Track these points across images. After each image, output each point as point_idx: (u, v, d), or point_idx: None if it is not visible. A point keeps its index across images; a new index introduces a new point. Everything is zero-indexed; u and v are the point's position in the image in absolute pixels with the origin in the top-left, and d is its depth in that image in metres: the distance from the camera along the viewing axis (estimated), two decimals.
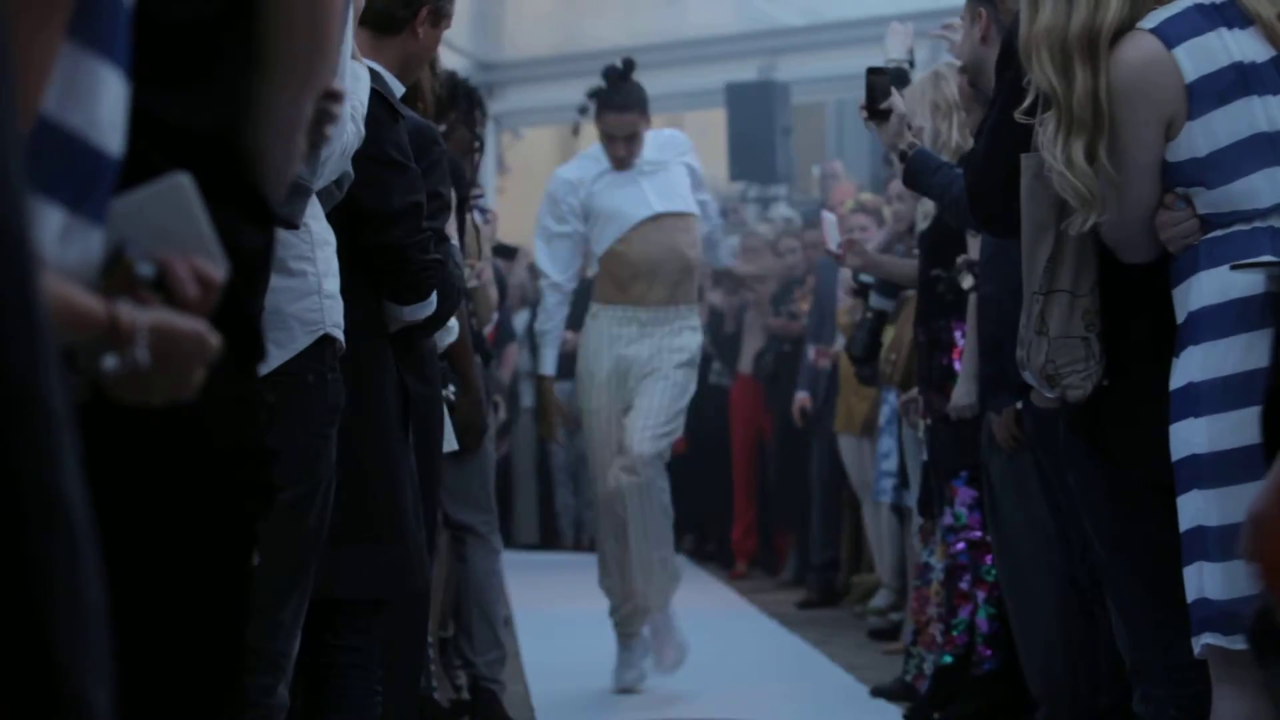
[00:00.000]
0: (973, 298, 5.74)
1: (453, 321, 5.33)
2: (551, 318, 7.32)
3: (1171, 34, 3.36)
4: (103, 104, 1.61)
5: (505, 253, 9.87)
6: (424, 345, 4.61)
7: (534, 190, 7.88)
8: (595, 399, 7.08)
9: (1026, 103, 3.45)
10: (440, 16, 4.48)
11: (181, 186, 1.72)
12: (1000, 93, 3.77)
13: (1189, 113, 3.35)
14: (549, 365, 7.39)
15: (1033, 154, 3.54)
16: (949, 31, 6.04)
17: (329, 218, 3.63)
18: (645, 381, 6.99)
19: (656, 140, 7.18)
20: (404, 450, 4.13)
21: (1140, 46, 3.36)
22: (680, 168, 7.12)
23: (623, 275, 7.02)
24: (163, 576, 1.94)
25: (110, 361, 1.60)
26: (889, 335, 6.96)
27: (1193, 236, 3.39)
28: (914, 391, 6.42)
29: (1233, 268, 3.31)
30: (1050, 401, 4.56)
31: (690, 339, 7.10)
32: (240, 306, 1.94)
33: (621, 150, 7.00)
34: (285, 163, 2.02)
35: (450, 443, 5.16)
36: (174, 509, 1.95)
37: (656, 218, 6.99)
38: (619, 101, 6.98)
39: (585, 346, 7.17)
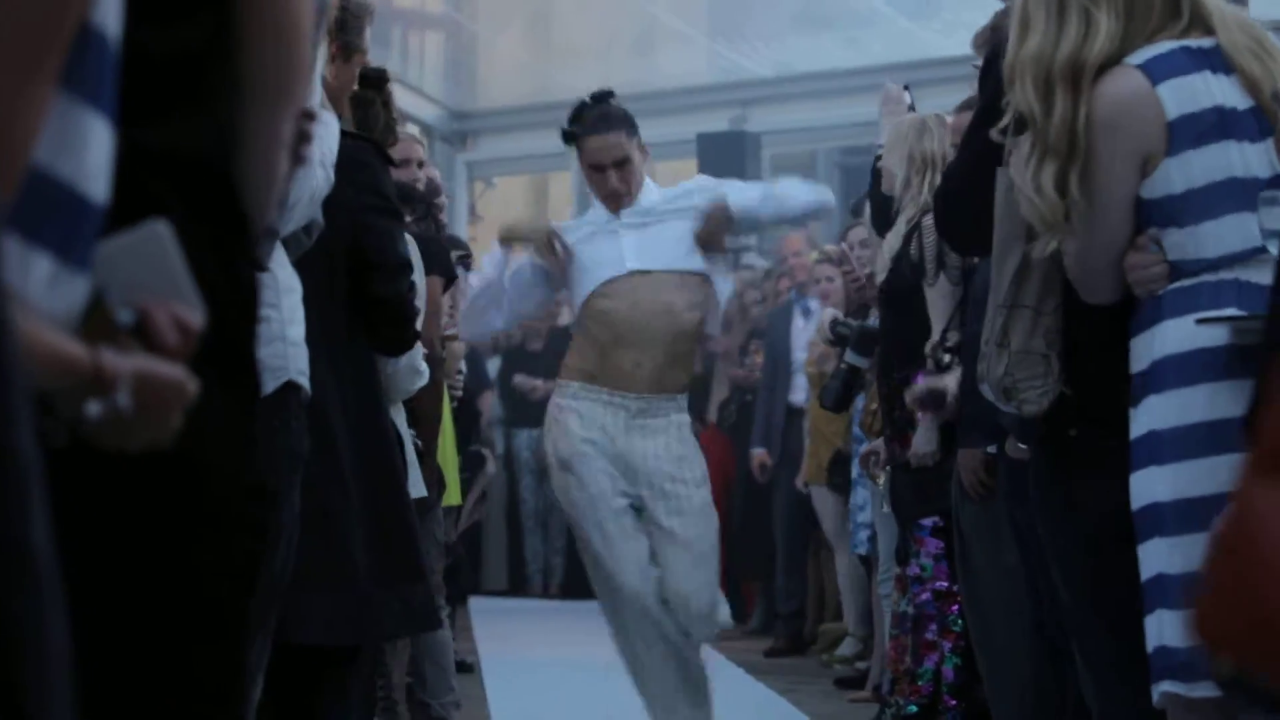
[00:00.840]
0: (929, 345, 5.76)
1: (424, 366, 5.34)
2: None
3: (1157, 71, 3.36)
4: (90, 152, 1.63)
5: None
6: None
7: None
8: (593, 483, 5.77)
9: (1003, 122, 3.46)
10: (351, 51, 4.47)
11: (159, 234, 1.74)
12: (979, 108, 3.77)
13: (1168, 150, 3.36)
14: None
15: (1006, 169, 3.53)
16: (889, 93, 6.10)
17: (308, 265, 3.65)
18: (664, 511, 5.81)
19: (667, 191, 6.11)
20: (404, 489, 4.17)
21: (1125, 80, 3.37)
22: (685, 222, 5.92)
23: (599, 329, 5.85)
24: (164, 617, 1.96)
25: (94, 408, 1.62)
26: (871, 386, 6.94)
27: (1159, 283, 3.38)
28: (875, 443, 6.42)
29: (1198, 321, 3.31)
30: (1021, 452, 4.55)
31: (693, 445, 5.96)
32: (236, 341, 1.97)
33: (615, 182, 5.92)
34: (270, 184, 2.04)
35: (418, 488, 5.16)
36: (175, 549, 1.96)
37: (644, 273, 5.85)
38: (599, 123, 5.97)
39: (562, 433, 5.84)
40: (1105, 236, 3.40)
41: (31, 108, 1.49)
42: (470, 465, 8.36)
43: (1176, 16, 3.42)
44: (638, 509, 5.79)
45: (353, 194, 3.93)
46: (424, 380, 5.30)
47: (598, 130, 5.96)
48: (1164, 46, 3.40)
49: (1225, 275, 3.36)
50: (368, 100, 4.61)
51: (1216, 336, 3.32)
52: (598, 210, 6.03)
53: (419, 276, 5.31)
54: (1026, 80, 3.38)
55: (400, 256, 4.01)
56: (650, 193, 6.00)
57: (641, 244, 5.90)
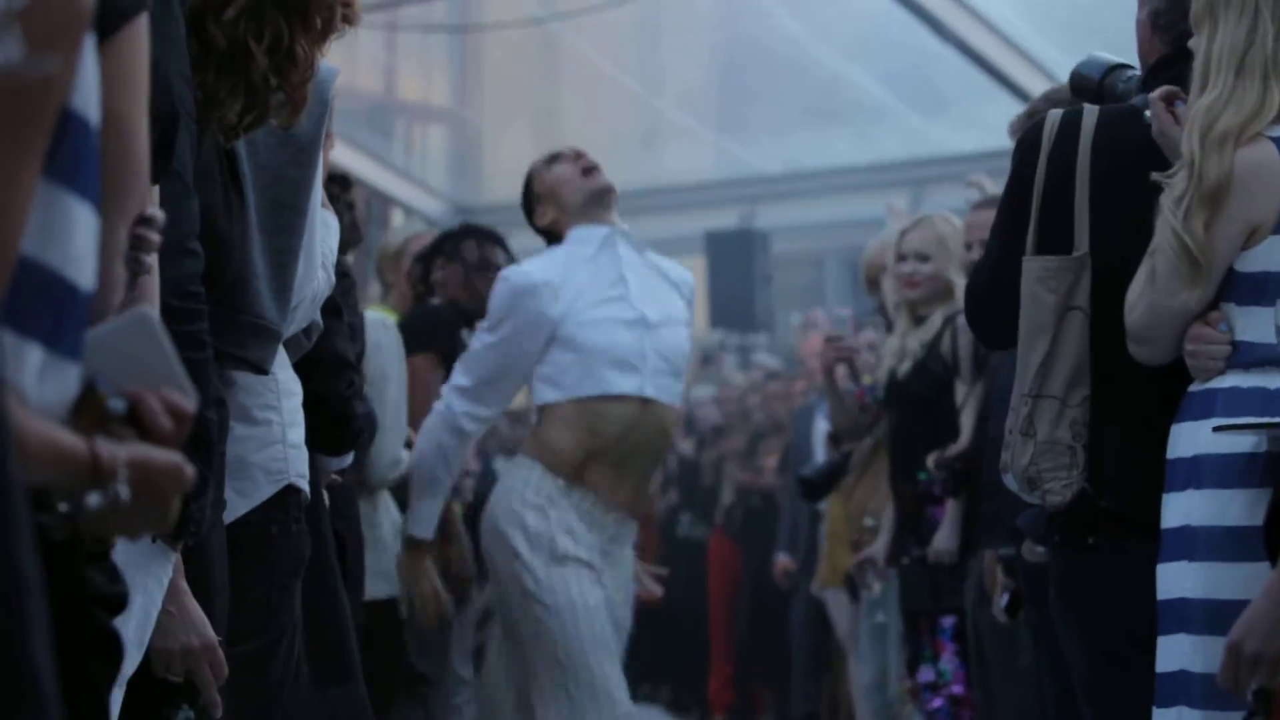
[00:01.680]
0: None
1: (403, 455, 5.25)
2: (450, 460, 5.22)
3: None
4: (76, 239, 1.64)
5: None
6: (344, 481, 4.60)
7: None
8: (589, 591, 5.01)
9: (1171, 171, 3.40)
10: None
11: (147, 320, 1.76)
12: (1007, 190, 3.75)
13: (1277, 226, 3.34)
14: (427, 525, 5.26)
15: (1035, 258, 3.55)
16: (978, 184, 6.08)
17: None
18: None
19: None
20: (339, 586, 4.11)
21: (1256, 147, 3.36)
22: (683, 329, 5.36)
23: (590, 430, 5.11)
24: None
25: (94, 499, 1.63)
26: (860, 490, 6.86)
27: (1217, 363, 3.36)
28: (871, 550, 6.34)
29: (1216, 430, 3.30)
30: (1037, 555, 4.52)
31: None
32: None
33: (600, 182, 5.32)
34: (107, 292, 1.95)
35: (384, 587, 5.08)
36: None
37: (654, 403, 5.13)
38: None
39: (546, 533, 5.06)
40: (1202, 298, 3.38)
41: (19, 196, 1.51)
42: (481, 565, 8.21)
43: None
44: None
45: None
46: (403, 468, 5.20)
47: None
48: None
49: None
50: (332, 196, 4.54)
51: (1260, 442, 3.28)
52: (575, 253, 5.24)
53: (393, 359, 5.19)
54: (1195, 128, 3.36)
55: (336, 354, 3.90)
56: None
57: (654, 355, 5.17)
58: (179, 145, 2.58)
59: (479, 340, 5.19)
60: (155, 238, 2.08)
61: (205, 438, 2.65)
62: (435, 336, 5.83)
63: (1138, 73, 3.92)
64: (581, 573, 5.01)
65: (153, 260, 2.07)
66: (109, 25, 1.99)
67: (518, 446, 5.59)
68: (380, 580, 5.27)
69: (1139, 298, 3.41)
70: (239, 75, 2.88)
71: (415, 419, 5.49)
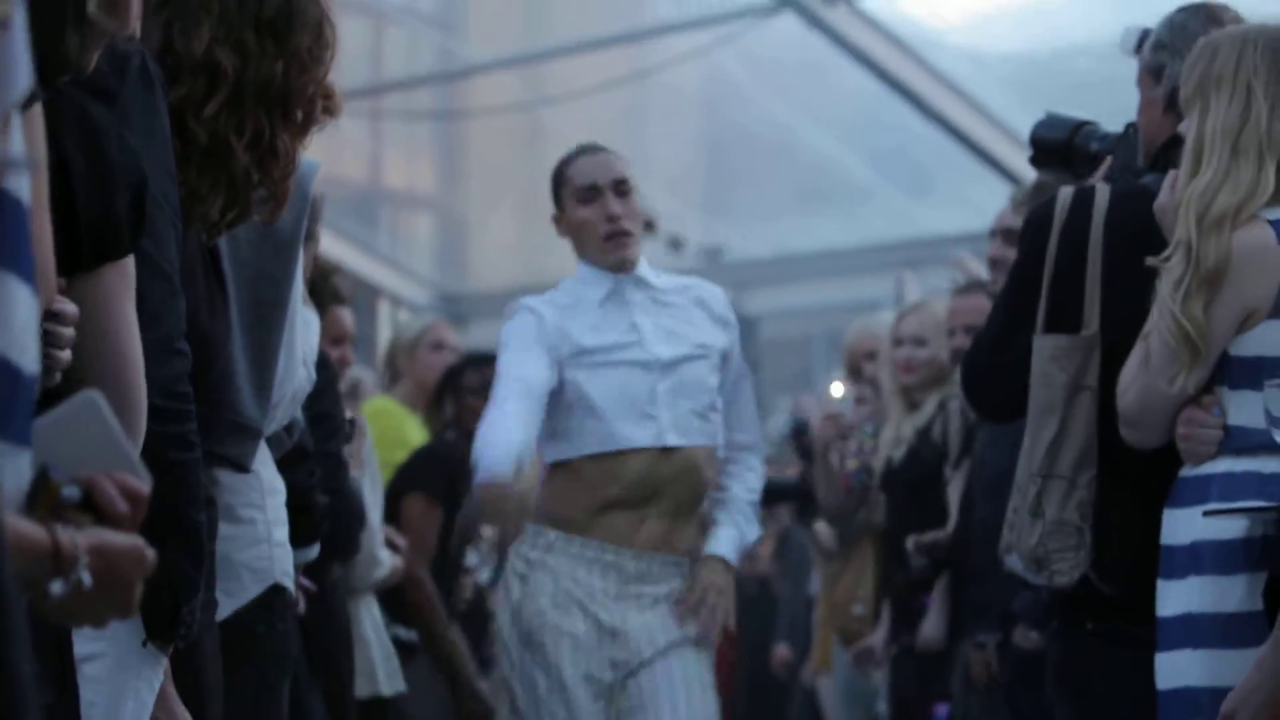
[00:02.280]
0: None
1: (384, 555, 5.24)
2: (508, 412, 4.60)
3: None
4: (17, 320, 1.63)
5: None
6: (325, 577, 4.60)
7: None
8: (570, 666, 4.66)
9: (1165, 254, 3.39)
10: (307, 237, 4.42)
11: (94, 404, 1.75)
12: (1012, 273, 3.77)
13: (1272, 311, 3.34)
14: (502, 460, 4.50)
15: (1047, 336, 3.56)
16: (960, 263, 6.11)
17: None
18: (652, 676, 4.73)
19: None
20: (311, 693, 4.05)
21: (1252, 230, 3.36)
22: (703, 362, 4.92)
23: (603, 483, 4.79)
24: None
25: (57, 587, 1.63)
26: (847, 577, 6.82)
27: (1209, 448, 3.35)
28: (871, 639, 6.31)
29: (1205, 513, 3.30)
30: (1031, 641, 4.52)
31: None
32: None
33: (617, 208, 4.86)
34: None
35: (396, 682, 5.06)
36: None
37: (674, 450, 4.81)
38: (587, 149, 5.02)
39: (530, 602, 4.74)
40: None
41: None
42: (483, 669, 8.20)
43: None
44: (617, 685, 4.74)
45: None
46: (384, 570, 5.20)
47: (587, 153, 5.01)
48: None
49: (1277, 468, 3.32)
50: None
51: (1254, 526, 3.28)
52: (588, 286, 4.91)
53: (372, 492, 5.18)
54: (1191, 210, 3.34)
55: (299, 444, 3.89)
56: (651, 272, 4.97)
57: (673, 397, 4.82)
58: (164, 241, 2.58)
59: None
60: (67, 332, 2.10)
61: (195, 539, 2.65)
62: (430, 477, 5.88)
63: (1104, 129, 3.94)
64: (557, 640, 4.69)
65: (66, 356, 2.06)
66: (112, 250, 2.13)
67: None
68: (363, 679, 5.23)
69: (1132, 382, 3.41)
70: (220, 171, 2.87)
71: (403, 558, 5.53)
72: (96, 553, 1.66)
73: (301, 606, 4.10)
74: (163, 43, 2.86)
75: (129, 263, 2.25)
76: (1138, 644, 3.41)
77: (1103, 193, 3.60)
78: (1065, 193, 3.65)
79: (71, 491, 1.68)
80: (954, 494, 5.79)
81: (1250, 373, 3.35)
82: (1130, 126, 3.86)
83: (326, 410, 4.48)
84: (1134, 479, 3.50)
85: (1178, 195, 3.40)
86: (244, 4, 2.92)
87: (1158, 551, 3.41)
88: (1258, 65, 3.38)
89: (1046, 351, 3.55)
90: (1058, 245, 3.60)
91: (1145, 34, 3.82)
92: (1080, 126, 4.01)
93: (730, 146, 11.98)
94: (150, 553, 1.73)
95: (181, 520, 2.60)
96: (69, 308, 2.06)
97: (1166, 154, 3.64)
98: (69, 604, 1.66)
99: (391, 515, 5.76)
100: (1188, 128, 3.45)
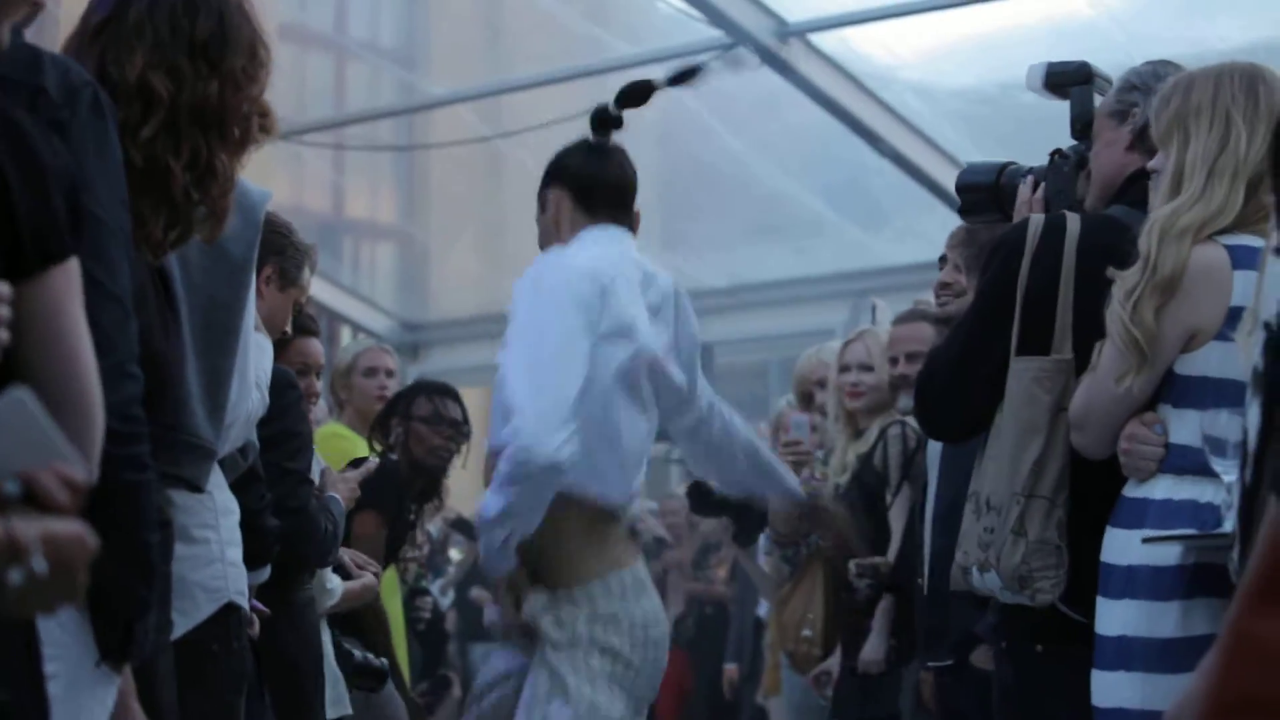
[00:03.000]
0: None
1: (335, 582, 5.22)
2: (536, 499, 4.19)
3: (1239, 258, 3.41)
4: None
5: (469, 531, 9.66)
6: (295, 597, 4.58)
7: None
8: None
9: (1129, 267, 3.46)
10: (288, 282, 4.45)
11: (23, 400, 1.77)
12: (977, 296, 3.81)
13: (1219, 333, 3.39)
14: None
15: (1028, 358, 3.59)
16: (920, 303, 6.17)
17: None
18: None
19: None
20: (259, 711, 4.04)
21: (1209, 251, 3.42)
22: None
23: None
24: None
25: (15, 576, 1.67)
26: (795, 600, 6.84)
27: (1149, 465, 3.41)
28: (828, 663, 6.33)
29: (1145, 541, 3.34)
30: (988, 661, 4.52)
31: None
32: None
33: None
34: None
35: (342, 706, 5.05)
36: None
37: None
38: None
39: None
40: (1137, 391, 3.42)
41: None
42: (436, 689, 8.16)
43: (1266, 219, 3.45)
44: None
45: None
46: (334, 599, 5.19)
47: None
48: (1247, 239, 3.43)
49: (1214, 499, 3.36)
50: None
51: (1188, 554, 3.34)
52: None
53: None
54: (1156, 227, 3.41)
55: (250, 467, 3.88)
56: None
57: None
58: (115, 268, 2.59)
59: None
60: (4, 311, 2.11)
61: (146, 560, 2.64)
62: (381, 496, 5.88)
63: (1025, 166, 3.99)
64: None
65: (4, 336, 2.11)
66: (58, 250, 2.12)
67: None
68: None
69: (1081, 386, 3.48)
70: (160, 192, 2.89)
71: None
72: (46, 540, 1.70)
73: (255, 629, 4.10)
74: (98, 70, 2.86)
75: (73, 265, 2.24)
76: (1085, 666, 3.45)
77: (1074, 221, 3.64)
78: (1036, 220, 3.69)
79: (12, 487, 1.71)
80: (896, 519, 5.83)
81: (1194, 392, 3.40)
82: (1056, 154, 3.93)
83: (291, 428, 4.47)
84: (1095, 502, 3.54)
85: (1151, 218, 3.47)
86: (177, 29, 2.93)
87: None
88: (1235, 94, 3.44)
89: (1030, 373, 3.58)
90: (1030, 270, 3.64)
91: (1050, 69, 3.91)
92: (1004, 168, 4.07)
93: (686, 179, 11.99)
94: (93, 538, 1.76)
95: (134, 541, 2.59)
96: (3, 288, 2.08)
97: (1129, 189, 3.69)
98: (25, 595, 1.69)
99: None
100: (1161, 163, 3.50)
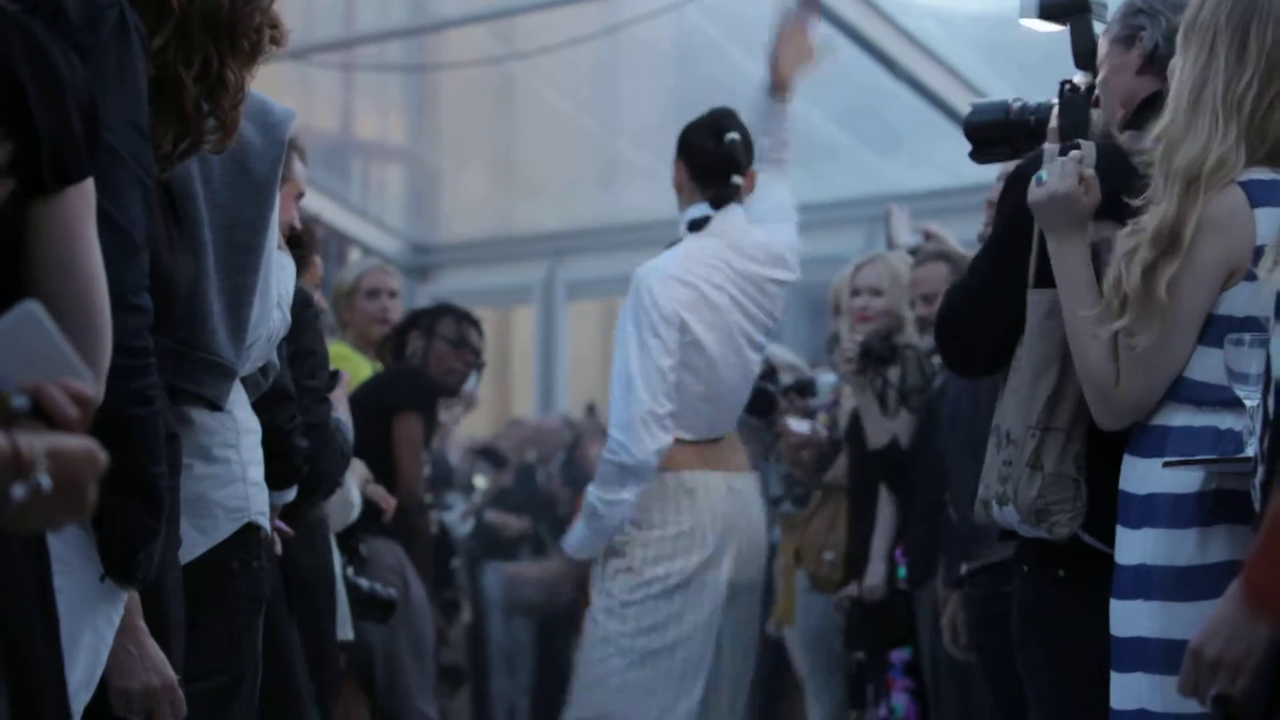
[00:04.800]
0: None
1: (356, 498, 5.26)
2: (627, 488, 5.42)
3: (1256, 194, 3.38)
4: None
5: (495, 459, 9.70)
6: (310, 514, 4.59)
7: None
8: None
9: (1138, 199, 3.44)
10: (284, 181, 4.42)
11: (33, 313, 1.77)
12: (996, 228, 3.79)
13: (1248, 273, 3.36)
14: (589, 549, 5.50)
15: (1043, 290, 3.57)
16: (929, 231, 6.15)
17: None
18: None
19: None
20: (289, 629, 4.07)
21: (1224, 200, 3.38)
22: None
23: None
24: None
25: (18, 491, 1.67)
26: (815, 523, 6.85)
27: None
28: (849, 589, 6.36)
29: (1165, 464, 3.33)
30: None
31: None
32: None
33: None
34: None
35: (345, 630, 5.08)
36: None
37: None
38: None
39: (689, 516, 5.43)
40: (1172, 354, 3.39)
41: None
42: (445, 613, 8.19)
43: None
44: None
45: None
46: (355, 512, 5.22)
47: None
48: (1264, 174, 3.40)
49: (1234, 426, 3.34)
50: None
51: (1209, 479, 3.31)
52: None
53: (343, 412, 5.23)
54: (1158, 166, 3.40)
55: (278, 386, 3.86)
56: None
57: None
58: (123, 199, 2.58)
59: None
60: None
61: (154, 490, 2.66)
62: (421, 398, 5.92)
63: (1033, 101, 3.97)
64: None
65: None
66: (76, 172, 2.11)
67: None
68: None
69: (1122, 373, 3.42)
70: (170, 104, 2.87)
71: (404, 476, 5.58)
72: (52, 456, 1.69)
73: (278, 548, 4.11)
74: None
75: (89, 186, 2.23)
76: (1106, 591, 3.45)
77: (1089, 149, 3.60)
78: (1050, 149, 3.65)
79: (21, 401, 1.71)
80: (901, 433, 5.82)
81: (1220, 331, 3.37)
82: (1065, 85, 3.90)
83: (309, 346, 4.50)
84: (1111, 433, 3.51)
85: (1156, 134, 3.44)
86: None
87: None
88: (1222, 23, 3.40)
89: (1044, 306, 3.57)
90: None
91: None
92: (1011, 105, 4.05)
93: (701, 102, 11.96)
94: (103, 454, 1.76)
95: (140, 473, 2.62)
96: None
97: (1143, 114, 3.64)
98: (29, 508, 1.69)
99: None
100: (1170, 72, 3.49)
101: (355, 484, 5.33)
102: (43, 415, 1.72)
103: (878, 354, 5.88)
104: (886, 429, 5.74)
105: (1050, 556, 3.59)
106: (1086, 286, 3.47)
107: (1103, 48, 3.78)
